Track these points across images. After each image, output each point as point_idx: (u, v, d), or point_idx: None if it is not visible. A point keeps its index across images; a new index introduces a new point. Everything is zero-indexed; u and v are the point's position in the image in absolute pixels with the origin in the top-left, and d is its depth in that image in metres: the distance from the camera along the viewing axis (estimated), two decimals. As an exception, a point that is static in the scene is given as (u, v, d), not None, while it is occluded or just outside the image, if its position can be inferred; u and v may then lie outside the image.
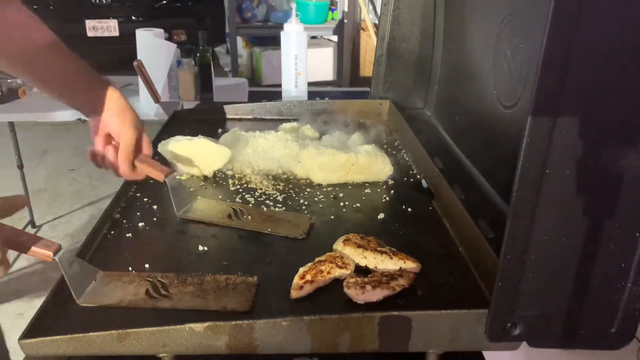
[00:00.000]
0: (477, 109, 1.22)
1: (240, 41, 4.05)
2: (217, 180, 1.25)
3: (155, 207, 1.12)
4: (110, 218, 1.07)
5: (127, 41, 3.37)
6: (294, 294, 0.83)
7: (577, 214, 0.68)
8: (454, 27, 1.43)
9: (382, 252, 0.91)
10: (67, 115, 2.29)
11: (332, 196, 1.18)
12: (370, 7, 4.26)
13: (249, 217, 1.08)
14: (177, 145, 1.25)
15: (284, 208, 1.13)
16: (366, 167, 1.24)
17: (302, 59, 2.47)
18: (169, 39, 4.58)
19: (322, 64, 4.58)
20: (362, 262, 0.90)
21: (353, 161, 1.23)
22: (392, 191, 1.22)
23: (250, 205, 1.14)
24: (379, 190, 1.22)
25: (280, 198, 1.17)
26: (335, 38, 4.07)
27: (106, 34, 4.98)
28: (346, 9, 4.08)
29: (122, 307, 0.82)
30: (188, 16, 5.50)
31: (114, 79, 1.04)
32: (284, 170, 1.29)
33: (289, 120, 1.58)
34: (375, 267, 0.89)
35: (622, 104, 0.64)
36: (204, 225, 1.05)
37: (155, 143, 1.35)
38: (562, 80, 0.62)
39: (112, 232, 1.03)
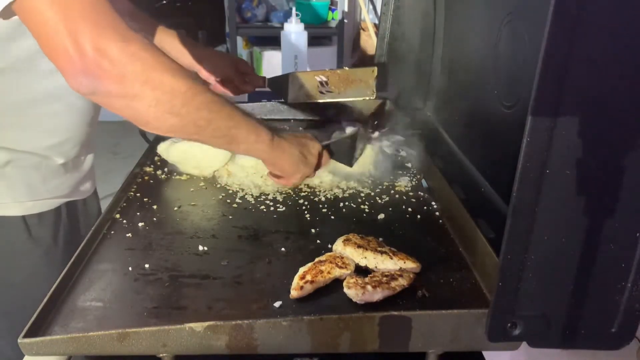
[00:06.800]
0: (477, 109, 1.22)
1: (240, 41, 4.03)
2: (217, 180, 1.25)
3: (155, 207, 1.12)
4: (110, 218, 1.07)
5: (127, 41, 3.35)
6: (294, 294, 0.83)
7: (577, 214, 0.68)
8: (454, 27, 1.43)
9: (382, 252, 0.90)
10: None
11: (332, 196, 1.18)
12: (370, 7, 4.25)
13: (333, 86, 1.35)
14: (177, 146, 1.25)
15: (284, 208, 1.13)
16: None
17: (302, 59, 2.47)
18: (169, 39, 4.58)
19: (322, 64, 4.57)
20: (362, 262, 0.90)
21: None
22: (392, 191, 1.22)
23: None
24: (379, 190, 1.22)
25: (280, 198, 1.17)
26: (335, 38, 4.05)
27: (106, 34, 4.96)
28: (346, 9, 4.07)
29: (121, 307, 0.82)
30: (188, 16, 5.49)
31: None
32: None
33: (288, 120, 1.58)
34: (375, 267, 0.89)
35: (622, 104, 0.64)
36: (204, 225, 1.06)
37: (155, 144, 1.35)
38: (562, 80, 0.62)
39: (112, 232, 1.03)
